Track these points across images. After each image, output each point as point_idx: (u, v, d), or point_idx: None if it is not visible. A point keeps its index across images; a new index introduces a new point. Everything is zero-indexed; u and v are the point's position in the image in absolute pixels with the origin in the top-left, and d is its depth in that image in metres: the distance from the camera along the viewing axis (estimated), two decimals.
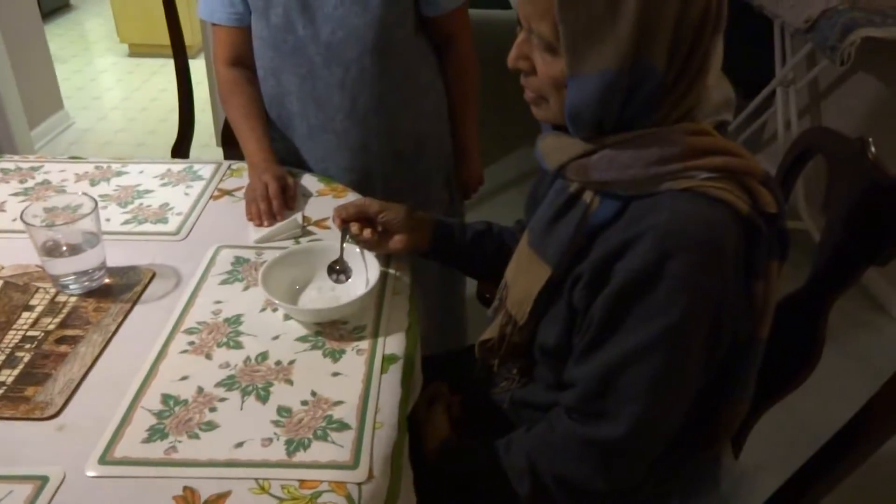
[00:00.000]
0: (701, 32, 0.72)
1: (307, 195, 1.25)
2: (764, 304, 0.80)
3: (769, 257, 0.78)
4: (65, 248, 0.98)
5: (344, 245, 1.02)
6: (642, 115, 0.75)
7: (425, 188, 1.44)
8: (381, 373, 0.87)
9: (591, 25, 0.71)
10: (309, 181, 1.29)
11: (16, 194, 1.24)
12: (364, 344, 0.91)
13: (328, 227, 1.16)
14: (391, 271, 1.06)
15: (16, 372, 0.86)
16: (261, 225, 1.14)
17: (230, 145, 1.83)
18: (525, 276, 0.90)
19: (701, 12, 0.71)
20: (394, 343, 0.92)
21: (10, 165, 1.33)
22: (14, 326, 0.93)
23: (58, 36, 4.66)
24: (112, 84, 4.04)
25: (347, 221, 1.04)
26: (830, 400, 1.49)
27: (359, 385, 0.85)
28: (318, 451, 0.76)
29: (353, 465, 0.75)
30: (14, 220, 1.12)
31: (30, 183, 1.27)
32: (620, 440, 0.78)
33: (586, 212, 0.81)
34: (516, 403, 0.99)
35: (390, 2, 1.21)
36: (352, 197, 1.26)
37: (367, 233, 1.02)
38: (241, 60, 1.33)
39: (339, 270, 1.01)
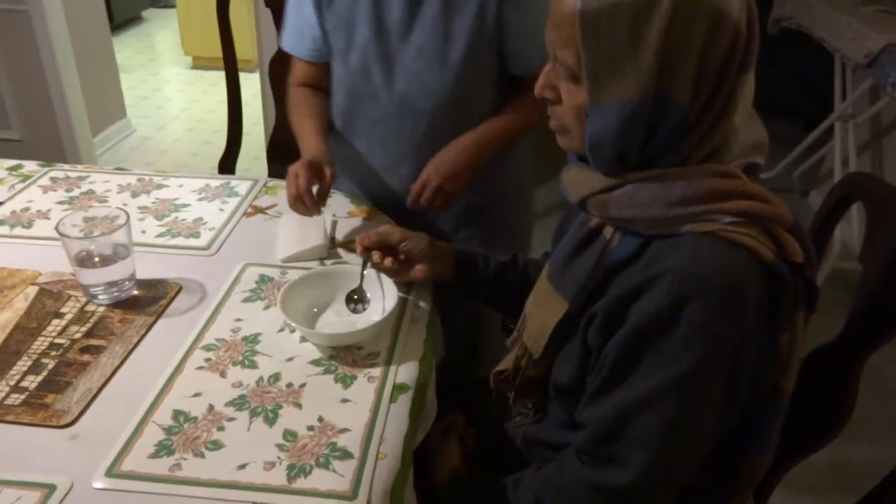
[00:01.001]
0: (726, 69, 0.70)
1: (337, 216, 1.26)
2: (789, 355, 0.77)
3: (795, 308, 0.75)
4: (97, 259, 1.01)
5: (364, 273, 1.02)
6: (666, 152, 0.74)
7: (501, 241, 1.39)
8: (390, 402, 0.86)
9: (613, 55, 0.70)
10: (339, 202, 1.31)
11: (61, 203, 1.29)
12: (376, 371, 0.91)
13: (354, 250, 1.17)
14: (411, 298, 1.05)
15: (39, 378, 0.89)
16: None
17: (276, 161, 1.87)
18: (542, 310, 0.89)
19: (727, 48, 0.69)
20: (406, 372, 0.91)
21: (60, 174, 1.39)
22: (43, 333, 0.96)
23: (127, 46, 4.86)
24: (174, 94, 4.19)
25: (370, 249, 1.04)
26: (887, 452, 1.41)
27: (366, 413, 0.84)
28: (319, 479, 0.76)
29: (352, 495, 0.74)
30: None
31: (75, 192, 1.32)
32: (628, 487, 0.76)
33: (605, 248, 0.80)
34: (529, 440, 0.97)
35: (470, 60, 1.18)
36: (381, 220, 1.26)
37: (388, 261, 1.03)
38: (315, 87, 1.35)
39: (356, 300, 1.01)
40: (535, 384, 0.92)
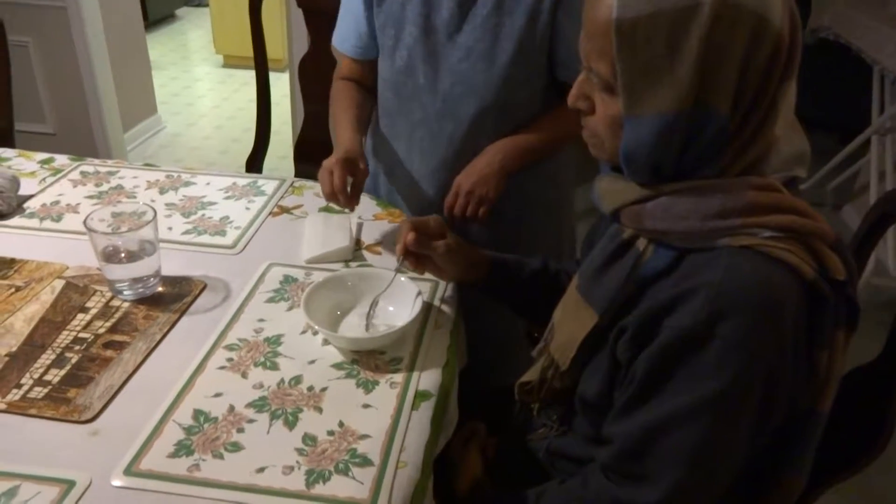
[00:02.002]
0: (768, 78, 0.68)
1: (362, 219, 1.25)
2: (827, 375, 0.74)
3: (835, 326, 0.73)
4: (123, 255, 1.01)
5: (394, 278, 1.01)
6: (703, 163, 0.72)
7: (530, 250, 1.34)
8: (412, 409, 0.85)
9: (650, 66, 0.68)
10: (366, 204, 1.29)
11: (90, 197, 1.29)
12: (398, 377, 0.90)
13: (380, 253, 1.16)
14: (435, 304, 1.04)
15: (62, 372, 0.89)
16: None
17: (303, 161, 1.87)
18: (571, 321, 0.87)
19: (769, 57, 0.67)
20: (428, 379, 0.90)
21: (90, 169, 1.40)
22: (68, 327, 0.97)
23: (161, 44, 4.92)
24: (204, 92, 4.23)
25: (410, 254, 1.01)
26: None
27: (387, 420, 0.83)
28: (338, 486, 0.75)
29: None
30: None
31: (104, 187, 1.33)
32: None
33: (638, 260, 0.78)
34: (553, 453, 0.95)
35: (518, 62, 1.17)
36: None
37: (419, 271, 1.03)
38: (357, 83, 1.35)
39: (372, 314, 0.99)
40: (561, 396, 0.91)
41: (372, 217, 1.27)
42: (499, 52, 1.16)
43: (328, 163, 1.11)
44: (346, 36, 1.31)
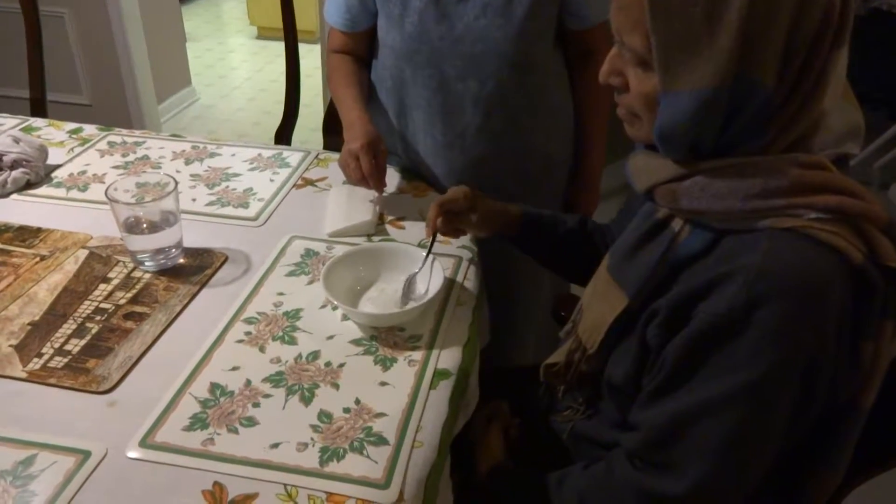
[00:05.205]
0: (818, 45, 0.63)
1: (386, 192, 1.22)
2: (872, 368, 0.70)
3: (884, 317, 0.68)
4: (145, 226, 1.00)
5: (427, 257, 0.99)
6: (745, 138, 0.67)
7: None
8: (430, 388, 0.83)
9: (687, 37, 0.63)
10: (390, 178, 1.26)
11: (116, 167, 1.29)
12: (417, 355, 0.88)
13: (403, 227, 1.13)
14: (459, 280, 1.01)
15: (82, 342, 0.88)
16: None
17: (331, 134, 1.85)
18: (600, 303, 0.83)
19: (819, 22, 0.62)
20: (448, 357, 0.88)
21: (118, 139, 1.39)
22: (90, 297, 0.96)
23: (196, 16, 4.93)
24: (238, 64, 4.23)
25: (438, 231, 1.00)
26: None
27: (405, 398, 0.81)
28: (351, 464, 0.73)
29: (384, 484, 0.71)
30: None
31: (130, 157, 1.32)
32: (680, 498, 0.70)
33: (673, 241, 0.74)
34: (577, 436, 0.92)
35: (534, 14, 1.15)
36: (433, 196, 1.21)
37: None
38: (352, 55, 1.33)
39: (408, 293, 0.97)
40: (588, 379, 0.88)
41: (396, 191, 1.24)
42: (515, 5, 1.14)
43: (352, 149, 1.13)
44: (335, 9, 1.29)
